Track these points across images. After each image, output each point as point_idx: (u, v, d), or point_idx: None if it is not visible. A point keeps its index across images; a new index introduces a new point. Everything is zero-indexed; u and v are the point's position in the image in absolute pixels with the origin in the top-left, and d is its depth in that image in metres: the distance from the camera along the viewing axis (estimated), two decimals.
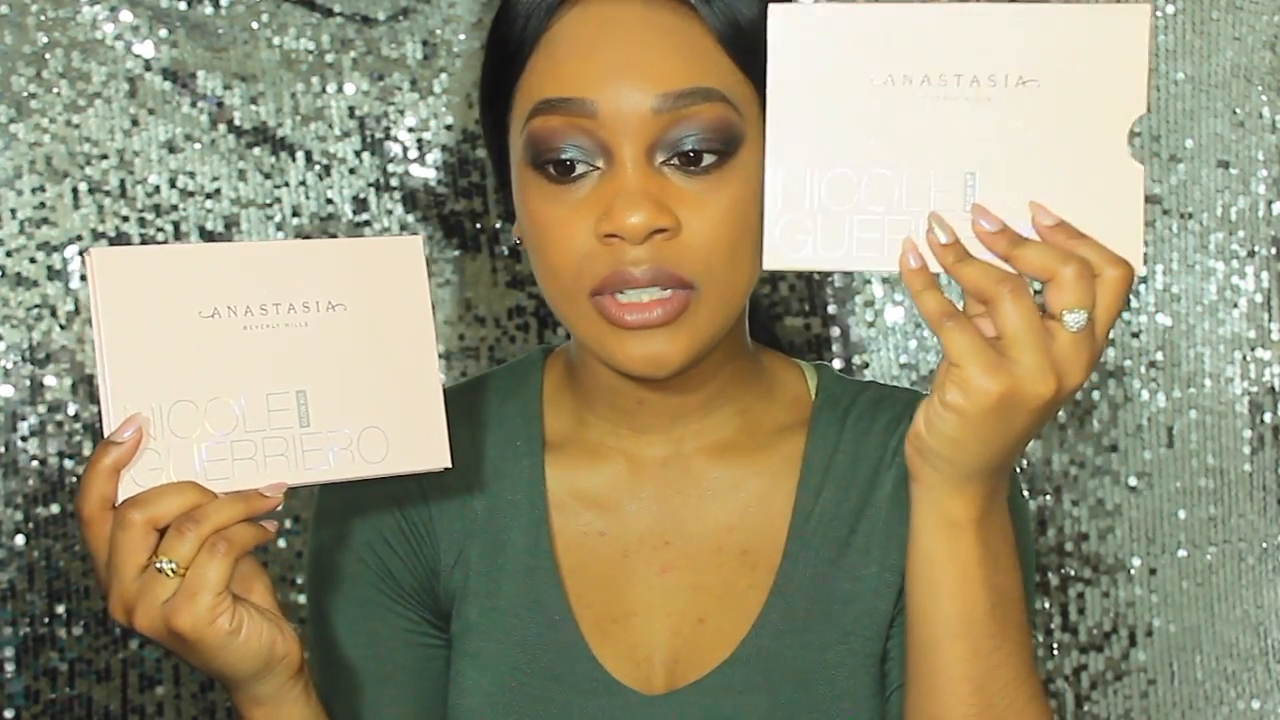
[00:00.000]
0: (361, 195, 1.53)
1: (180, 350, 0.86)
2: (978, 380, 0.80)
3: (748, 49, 0.95)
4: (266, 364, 0.87)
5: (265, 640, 0.86)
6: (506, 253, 1.55)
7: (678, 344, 0.94)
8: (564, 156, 0.94)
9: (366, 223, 1.53)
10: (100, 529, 0.84)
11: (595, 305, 0.94)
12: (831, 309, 1.54)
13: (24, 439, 1.50)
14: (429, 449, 0.90)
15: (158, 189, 1.50)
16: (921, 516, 0.87)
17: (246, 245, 0.91)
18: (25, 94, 1.48)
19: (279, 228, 1.51)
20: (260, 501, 0.85)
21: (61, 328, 1.50)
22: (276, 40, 1.51)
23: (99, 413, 1.48)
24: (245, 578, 0.87)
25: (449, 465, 0.90)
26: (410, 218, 1.54)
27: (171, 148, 1.50)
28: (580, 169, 0.94)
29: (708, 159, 0.94)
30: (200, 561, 0.83)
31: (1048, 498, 1.56)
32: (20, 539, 1.50)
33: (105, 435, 0.85)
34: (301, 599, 1.52)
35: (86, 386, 1.50)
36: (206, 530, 0.83)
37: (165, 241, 1.50)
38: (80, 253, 1.50)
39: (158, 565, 0.83)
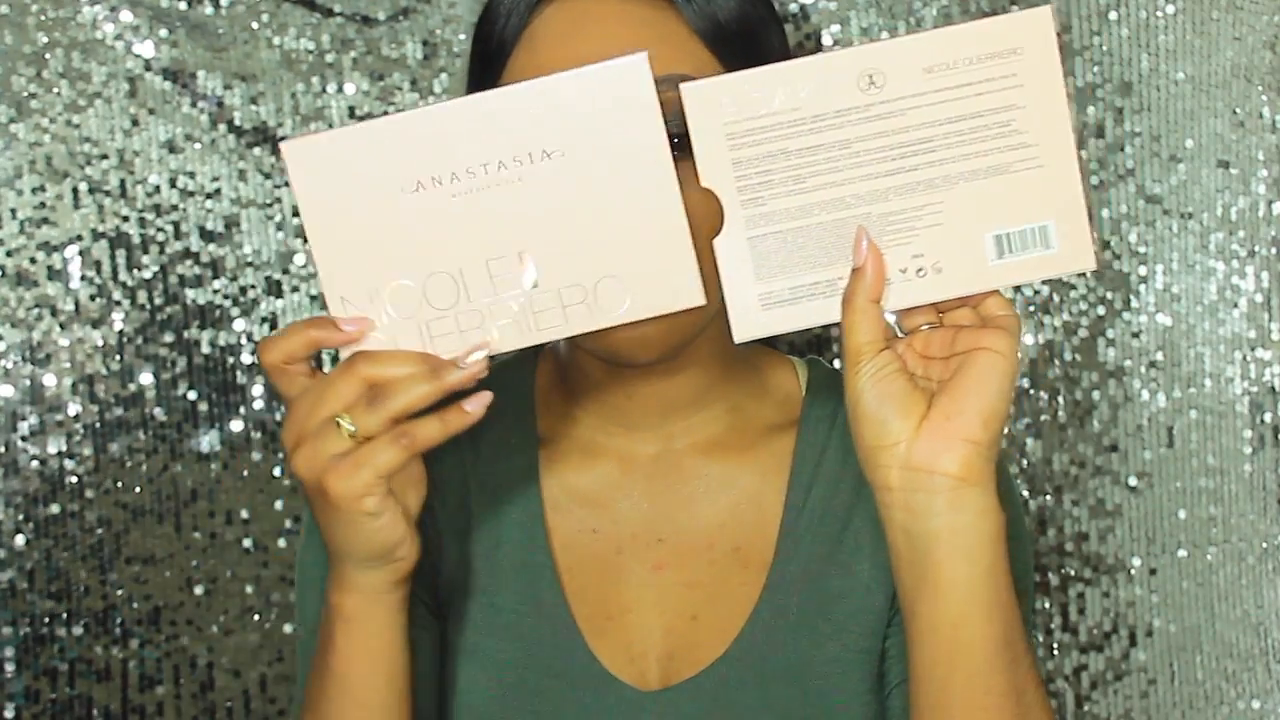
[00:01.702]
0: None
1: (389, 231, 0.83)
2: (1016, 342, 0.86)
3: (725, 40, 0.96)
4: (482, 230, 0.83)
5: (395, 536, 0.85)
6: None
7: (660, 324, 0.95)
8: None
9: None
10: (282, 377, 0.85)
11: None
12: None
13: (24, 439, 1.50)
14: (678, 287, 0.84)
15: (158, 189, 1.50)
16: (979, 529, 0.85)
17: (441, 107, 0.82)
18: (25, 94, 1.48)
19: (279, 228, 1.51)
20: (452, 374, 0.83)
21: (61, 328, 1.50)
22: (276, 40, 1.51)
23: (99, 413, 1.49)
24: (409, 478, 0.87)
25: (703, 302, 0.85)
26: None
27: (171, 148, 1.50)
28: None
29: (683, 146, 0.94)
30: (379, 442, 0.82)
31: (1048, 498, 1.56)
32: (20, 539, 1.50)
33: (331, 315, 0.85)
34: None
35: (86, 386, 1.50)
36: (396, 408, 0.82)
37: (165, 241, 1.50)
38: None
39: (338, 421, 0.82)
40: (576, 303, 0.84)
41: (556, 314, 0.85)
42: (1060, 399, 1.56)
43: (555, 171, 0.83)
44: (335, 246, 0.84)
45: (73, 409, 1.51)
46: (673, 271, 0.84)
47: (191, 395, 1.51)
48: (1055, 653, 1.55)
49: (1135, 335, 1.56)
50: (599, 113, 0.82)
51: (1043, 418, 1.55)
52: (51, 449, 1.50)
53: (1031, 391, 1.54)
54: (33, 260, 1.50)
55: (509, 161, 0.83)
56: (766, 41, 1.00)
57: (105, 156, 1.50)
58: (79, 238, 1.50)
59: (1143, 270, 1.55)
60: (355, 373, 0.83)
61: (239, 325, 1.51)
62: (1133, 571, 1.57)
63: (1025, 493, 1.56)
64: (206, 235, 1.51)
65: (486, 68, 1.00)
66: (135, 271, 1.50)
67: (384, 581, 0.89)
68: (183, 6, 1.49)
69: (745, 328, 0.88)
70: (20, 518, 1.50)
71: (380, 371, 0.83)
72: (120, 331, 1.51)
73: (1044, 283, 1.53)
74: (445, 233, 0.83)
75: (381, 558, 0.87)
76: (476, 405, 0.84)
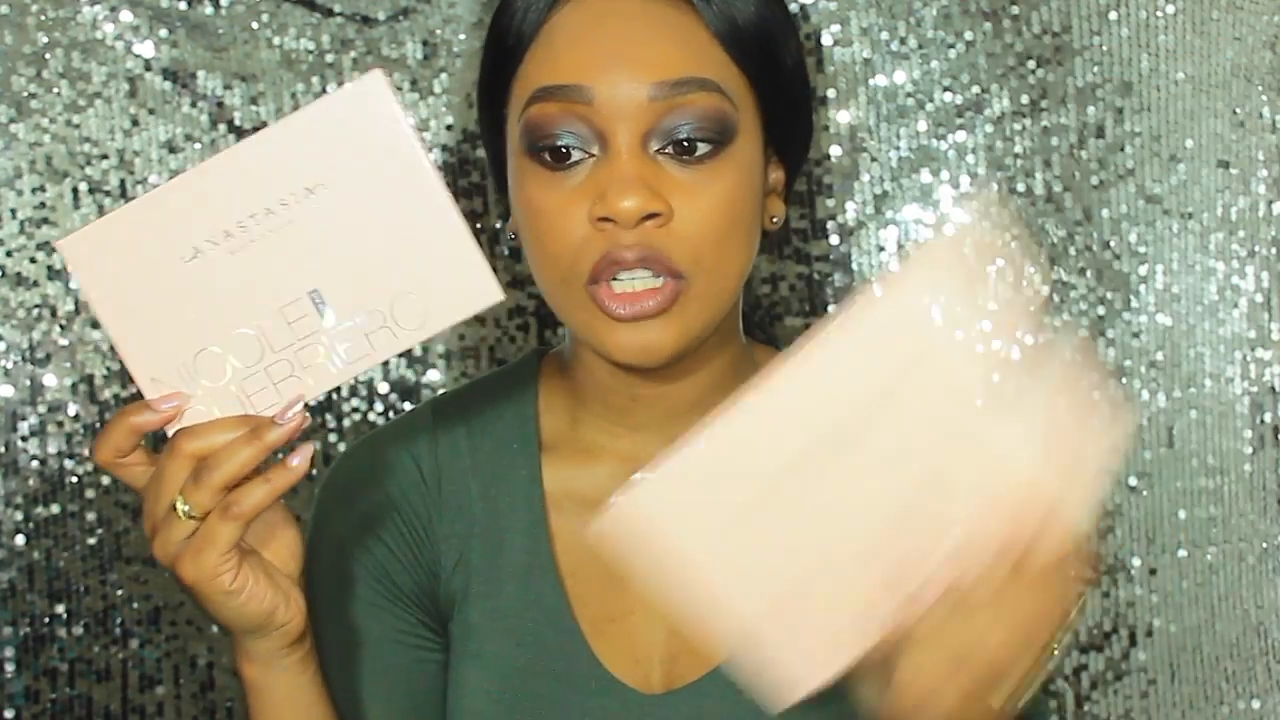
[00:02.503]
0: None
1: (179, 302, 0.84)
2: None
3: (743, 43, 0.97)
4: (268, 280, 0.84)
5: (265, 605, 0.86)
6: (507, 253, 1.55)
7: (669, 333, 0.95)
8: (560, 143, 0.95)
9: None
10: (122, 471, 0.86)
11: (590, 294, 0.95)
12: (832, 309, 1.54)
13: (24, 439, 1.50)
14: (473, 288, 0.84)
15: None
16: None
17: (192, 173, 0.84)
18: (25, 94, 1.48)
19: None
20: (272, 433, 0.83)
21: (61, 328, 1.50)
22: (276, 40, 1.51)
23: (99, 413, 1.49)
24: (268, 530, 0.87)
25: (501, 297, 0.85)
26: None
27: (171, 148, 1.50)
28: (576, 156, 0.95)
29: (702, 149, 0.95)
30: (213, 519, 0.83)
31: None
32: (20, 539, 1.50)
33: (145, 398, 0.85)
34: None
35: (86, 386, 1.50)
36: (221, 479, 0.82)
37: None
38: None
39: (174, 505, 0.83)
40: (377, 328, 0.84)
41: (362, 344, 0.85)
42: None
43: (323, 206, 0.83)
44: (132, 330, 0.84)
45: (73, 409, 1.50)
46: (463, 274, 0.84)
47: None
48: (1055, 652, 1.55)
49: (1135, 335, 1.56)
50: (350, 138, 0.82)
51: None
52: (51, 449, 1.50)
53: None
54: (33, 260, 1.50)
55: (275, 207, 0.83)
56: (784, 46, 1.00)
57: (105, 156, 1.50)
58: None
59: (1143, 270, 1.55)
60: (180, 452, 0.83)
61: None
62: (1133, 571, 1.57)
63: None
64: None
65: (502, 63, 1.00)
66: None
67: (275, 647, 0.90)
68: (183, 6, 1.49)
69: None
70: (20, 518, 1.50)
71: (202, 444, 0.83)
72: None
73: (1043, 282, 1.53)
74: (233, 291, 0.84)
75: (261, 627, 0.87)
76: (301, 460, 0.83)
